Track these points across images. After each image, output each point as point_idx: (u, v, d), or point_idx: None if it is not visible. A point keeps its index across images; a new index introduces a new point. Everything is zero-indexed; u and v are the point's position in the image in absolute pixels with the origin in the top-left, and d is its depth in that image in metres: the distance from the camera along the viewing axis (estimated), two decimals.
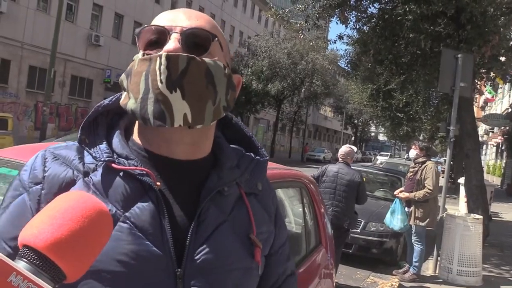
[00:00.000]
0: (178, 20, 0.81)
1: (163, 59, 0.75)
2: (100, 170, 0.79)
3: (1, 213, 0.79)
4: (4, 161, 2.05)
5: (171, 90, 0.75)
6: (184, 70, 0.75)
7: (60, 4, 15.13)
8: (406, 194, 5.95)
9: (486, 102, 28.68)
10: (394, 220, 5.91)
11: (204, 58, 0.78)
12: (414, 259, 5.92)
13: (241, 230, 0.85)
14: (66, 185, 0.78)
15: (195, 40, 0.79)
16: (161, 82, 0.75)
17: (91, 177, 0.79)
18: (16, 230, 0.75)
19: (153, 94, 0.75)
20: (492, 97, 24.54)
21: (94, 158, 0.80)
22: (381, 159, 39.62)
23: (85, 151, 0.82)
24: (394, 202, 6.05)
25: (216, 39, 0.82)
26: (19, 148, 2.46)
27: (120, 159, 0.80)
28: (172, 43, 0.77)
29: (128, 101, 0.79)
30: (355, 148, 5.88)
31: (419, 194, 5.75)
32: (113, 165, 0.78)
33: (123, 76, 0.83)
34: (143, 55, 0.80)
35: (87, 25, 22.37)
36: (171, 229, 0.77)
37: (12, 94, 19.01)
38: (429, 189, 5.71)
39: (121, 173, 0.79)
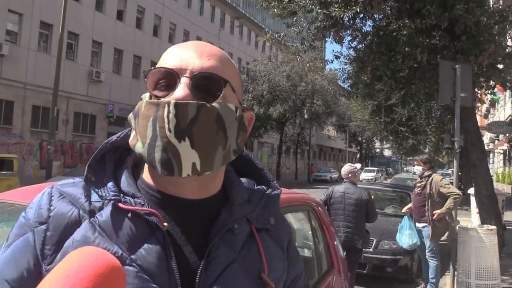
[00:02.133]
0: (188, 59, 0.78)
1: (172, 107, 0.72)
2: (106, 209, 0.78)
3: (4, 251, 0.78)
4: (8, 204, 2.03)
5: (180, 140, 0.72)
6: (193, 119, 0.73)
7: (60, 44, 15.46)
8: (438, 211, 5.67)
9: (490, 105, 28.62)
10: (403, 237, 5.81)
11: (214, 104, 0.75)
12: (430, 276, 5.79)
13: (252, 269, 0.82)
14: (72, 225, 0.77)
15: (205, 85, 0.76)
16: (170, 130, 0.72)
17: (97, 217, 0.77)
18: (18, 270, 0.75)
19: (161, 142, 0.73)
20: (496, 102, 24.53)
21: (100, 197, 0.79)
22: (366, 176, 36.94)
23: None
24: (403, 219, 5.97)
25: (228, 84, 0.78)
26: (24, 190, 2.45)
27: (126, 197, 0.79)
28: (181, 90, 0.74)
29: (137, 143, 0.77)
30: (358, 165, 5.83)
31: (449, 203, 5.60)
32: (120, 204, 0.77)
33: (131, 115, 0.81)
34: (151, 97, 0.78)
35: (87, 62, 22.77)
36: (179, 270, 0.75)
37: (16, 135, 19.21)
38: (455, 193, 5.61)
39: (127, 213, 0.77)
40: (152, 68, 0.78)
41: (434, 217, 5.74)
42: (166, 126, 0.72)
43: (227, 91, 0.78)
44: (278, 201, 0.94)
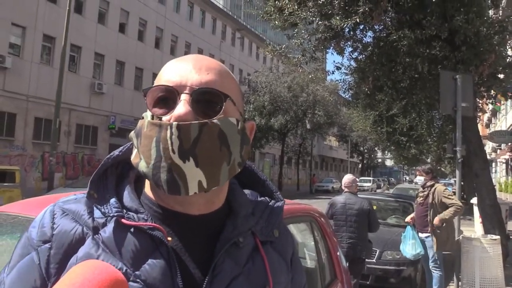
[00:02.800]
0: (187, 75, 0.77)
1: (174, 128, 0.72)
2: (109, 226, 0.77)
3: (8, 273, 0.77)
4: (11, 216, 2.03)
5: (184, 160, 0.72)
6: (196, 139, 0.73)
7: (62, 56, 15.58)
8: (438, 217, 5.64)
9: (492, 115, 28.62)
10: (406, 247, 5.78)
11: (215, 120, 0.75)
12: (434, 286, 5.75)
13: (257, 283, 0.81)
14: (76, 243, 0.76)
15: (206, 100, 0.76)
16: (173, 152, 0.72)
17: (100, 234, 0.77)
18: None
19: (166, 163, 0.73)
20: (497, 111, 24.54)
21: (103, 214, 0.78)
22: (361, 185, 35.39)
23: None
24: (406, 229, 5.94)
25: (228, 98, 0.78)
26: (26, 202, 2.45)
27: (129, 213, 0.79)
28: (182, 108, 0.74)
29: (140, 162, 0.77)
30: (351, 176, 5.83)
31: (448, 212, 5.57)
32: (123, 220, 0.77)
33: (132, 134, 0.81)
34: (152, 117, 0.77)
35: (89, 74, 22.91)
36: (184, 285, 0.74)
37: (19, 147, 19.25)
38: (457, 204, 5.59)
39: (131, 229, 0.77)
40: (151, 86, 0.78)
41: (434, 221, 5.71)
42: (170, 147, 0.72)
43: (228, 105, 0.78)
44: (281, 212, 0.93)
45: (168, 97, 0.76)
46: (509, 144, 23.61)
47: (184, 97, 0.75)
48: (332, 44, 8.32)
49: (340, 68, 9.61)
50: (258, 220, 0.87)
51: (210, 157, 0.74)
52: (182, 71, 0.78)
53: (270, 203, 0.92)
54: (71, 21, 16.42)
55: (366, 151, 56.18)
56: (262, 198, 0.93)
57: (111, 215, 0.77)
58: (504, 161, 30.20)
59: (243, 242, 0.82)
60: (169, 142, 0.72)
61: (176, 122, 0.73)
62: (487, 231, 7.13)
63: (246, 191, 0.92)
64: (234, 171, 0.80)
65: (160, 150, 0.73)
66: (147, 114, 0.79)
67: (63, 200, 0.84)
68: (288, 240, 0.95)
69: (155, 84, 0.79)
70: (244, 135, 0.82)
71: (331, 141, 56.35)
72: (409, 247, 5.75)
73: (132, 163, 0.80)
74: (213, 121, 0.75)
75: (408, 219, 6.18)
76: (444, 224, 5.68)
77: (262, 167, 39.16)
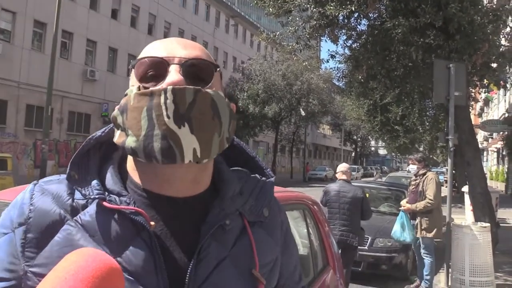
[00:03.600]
0: (174, 50, 0.77)
1: (169, 93, 0.71)
2: (90, 208, 0.75)
3: None
4: (3, 203, 2.02)
5: (179, 125, 0.71)
6: (191, 103, 0.72)
7: (54, 42, 15.37)
8: (408, 206, 5.95)
9: (484, 104, 28.80)
10: (405, 232, 5.84)
11: (208, 90, 0.75)
12: (425, 273, 5.83)
13: (243, 265, 0.80)
14: (54, 225, 0.74)
15: (196, 71, 0.76)
16: (168, 117, 0.70)
17: (80, 217, 0.75)
18: (1, 271, 0.73)
19: (160, 130, 0.71)
20: (490, 100, 24.68)
21: (84, 195, 0.76)
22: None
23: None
24: (400, 215, 5.99)
25: (218, 69, 0.80)
26: (18, 189, 2.44)
27: (111, 196, 0.76)
28: (175, 75, 0.73)
29: (127, 139, 0.74)
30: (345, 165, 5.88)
31: (420, 205, 5.77)
32: (104, 203, 0.75)
33: (116, 112, 0.78)
34: (139, 88, 0.75)
35: (82, 60, 22.66)
36: (168, 270, 0.73)
37: (10, 134, 19.08)
38: (429, 199, 5.72)
39: (112, 213, 0.74)
40: (139, 58, 0.77)
41: (404, 208, 5.95)
42: (164, 113, 0.71)
43: (216, 79, 0.79)
44: (272, 189, 0.92)
45: (157, 70, 0.76)
46: (501, 133, 23.80)
47: (174, 67, 0.75)
48: (327, 32, 8.28)
49: (335, 57, 9.58)
50: (246, 200, 0.86)
51: (204, 124, 0.73)
52: (168, 47, 0.78)
53: (261, 180, 0.91)
54: (62, 6, 16.16)
55: (359, 139, 56.36)
56: (253, 176, 0.91)
57: (92, 197, 0.75)
58: (495, 150, 30.48)
59: (229, 225, 0.80)
60: (163, 107, 0.71)
61: (171, 86, 0.72)
62: (477, 218, 7.21)
63: (237, 169, 0.91)
64: (223, 145, 0.79)
65: (152, 118, 0.71)
66: (133, 89, 0.77)
67: (45, 180, 0.81)
68: (279, 220, 0.93)
69: (142, 55, 0.79)
70: (231, 110, 0.81)
71: (324, 130, 56.47)
72: (407, 232, 5.82)
73: (117, 144, 0.78)
74: (206, 89, 0.75)
75: (402, 203, 6.21)
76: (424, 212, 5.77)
77: (256, 155, 39.14)
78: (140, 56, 0.79)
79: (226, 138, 0.79)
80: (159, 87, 0.73)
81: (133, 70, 0.80)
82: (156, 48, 0.79)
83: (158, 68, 0.75)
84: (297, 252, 0.99)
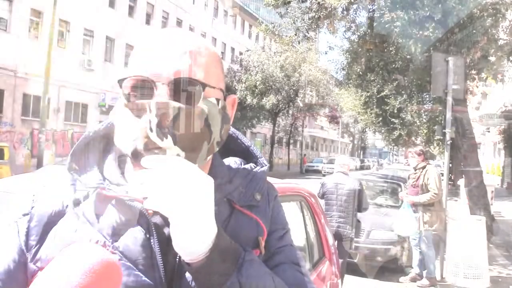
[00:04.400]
0: (161, 65, 0.75)
1: (153, 106, 0.72)
2: (90, 197, 0.78)
3: None
4: (1, 192, 2.03)
5: (162, 138, 0.72)
6: (175, 118, 0.72)
7: (51, 31, 15.24)
8: (411, 198, 5.87)
9: (482, 97, 28.79)
10: (408, 225, 5.80)
11: (198, 104, 0.75)
12: (429, 264, 5.86)
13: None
14: (56, 215, 0.77)
15: (183, 90, 0.75)
16: (151, 130, 0.72)
17: (81, 206, 0.78)
18: (3, 262, 0.75)
19: (142, 141, 0.73)
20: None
21: (84, 185, 0.79)
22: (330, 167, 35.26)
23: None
24: (403, 207, 5.92)
25: (207, 88, 0.76)
26: (15, 178, 2.45)
27: (111, 185, 0.79)
28: (162, 95, 0.73)
29: (118, 139, 0.78)
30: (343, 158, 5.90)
31: (424, 197, 5.71)
32: (104, 192, 0.77)
33: (111, 113, 0.81)
34: (128, 98, 0.76)
35: (79, 50, 22.49)
36: (163, 255, 0.75)
37: (7, 123, 19.00)
38: (434, 192, 5.68)
39: (112, 201, 0.77)
40: (125, 77, 0.77)
41: (406, 199, 5.87)
42: (148, 125, 0.72)
43: (207, 90, 0.77)
44: (264, 177, 0.93)
45: (144, 88, 0.75)
46: (498, 126, 23.86)
47: (160, 87, 0.74)
48: (325, 24, 8.25)
49: (333, 49, 9.57)
50: (236, 188, 0.87)
51: (188, 136, 0.74)
52: (156, 60, 0.76)
53: (253, 170, 0.92)
54: None
55: (357, 132, 56.43)
56: (246, 165, 0.93)
57: (92, 186, 0.78)
58: (492, 143, 30.58)
59: (216, 210, 0.80)
60: (147, 121, 0.72)
61: (155, 101, 0.72)
62: (472, 211, 7.27)
63: (231, 159, 0.93)
64: (212, 150, 0.80)
65: (137, 130, 0.73)
66: (123, 99, 0.77)
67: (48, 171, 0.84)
68: (270, 203, 0.92)
69: (130, 70, 0.78)
70: (224, 114, 0.82)
71: (322, 122, 56.49)
72: (407, 224, 5.78)
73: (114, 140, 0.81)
74: (193, 104, 0.74)
75: (404, 195, 6.16)
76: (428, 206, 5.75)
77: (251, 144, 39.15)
78: (129, 68, 0.79)
79: (217, 142, 0.81)
80: (145, 101, 0.73)
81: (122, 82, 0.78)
82: (145, 59, 0.77)
83: (144, 87, 0.75)
84: (286, 223, 0.97)
